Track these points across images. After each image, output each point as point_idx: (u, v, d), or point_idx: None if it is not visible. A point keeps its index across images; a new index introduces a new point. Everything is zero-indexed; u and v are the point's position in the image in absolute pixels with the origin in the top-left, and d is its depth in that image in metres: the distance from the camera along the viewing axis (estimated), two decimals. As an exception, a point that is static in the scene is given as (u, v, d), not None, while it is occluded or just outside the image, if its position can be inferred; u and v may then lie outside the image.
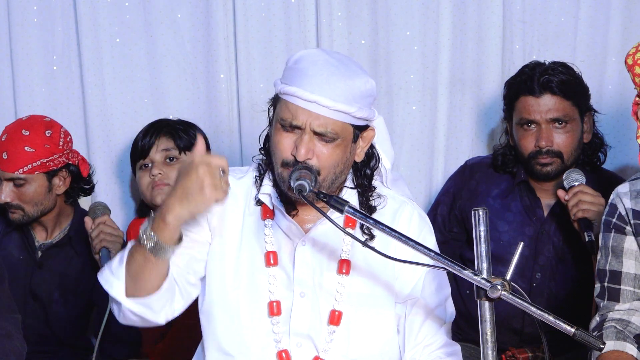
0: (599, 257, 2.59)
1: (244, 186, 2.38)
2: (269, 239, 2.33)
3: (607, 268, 2.56)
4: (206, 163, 2.05)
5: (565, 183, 2.98)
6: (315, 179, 2.20)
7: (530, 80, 3.02)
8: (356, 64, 2.32)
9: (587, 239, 2.86)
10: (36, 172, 3.08)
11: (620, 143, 3.58)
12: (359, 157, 2.34)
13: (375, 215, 2.35)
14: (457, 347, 2.42)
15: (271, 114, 2.33)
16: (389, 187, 2.43)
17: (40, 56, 3.48)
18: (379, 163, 2.40)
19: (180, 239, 2.14)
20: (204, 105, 3.52)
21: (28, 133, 3.08)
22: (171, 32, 3.49)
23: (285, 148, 2.26)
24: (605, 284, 2.56)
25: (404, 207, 2.41)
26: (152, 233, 2.10)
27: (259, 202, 2.35)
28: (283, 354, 2.30)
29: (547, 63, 3.09)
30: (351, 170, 2.38)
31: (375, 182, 2.41)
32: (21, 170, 3.06)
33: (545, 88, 3.00)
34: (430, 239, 2.41)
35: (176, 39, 3.49)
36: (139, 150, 3.23)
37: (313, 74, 2.22)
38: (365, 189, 2.37)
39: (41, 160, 3.09)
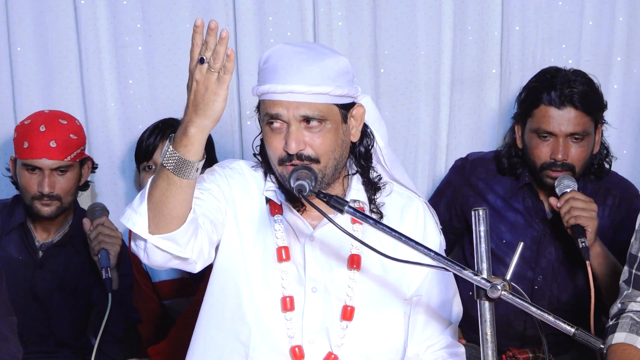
0: (632, 240, 2.50)
1: (257, 178, 2.39)
2: (280, 234, 2.33)
3: (639, 254, 2.50)
4: (197, 67, 1.99)
5: (557, 190, 2.96)
6: (315, 178, 2.19)
7: (553, 89, 2.97)
8: (324, 47, 2.35)
9: (580, 245, 2.84)
10: (77, 160, 3.13)
11: (625, 144, 3.58)
12: (355, 136, 2.34)
13: (383, 211, 2.36)
14: (461, 349, 2.42)
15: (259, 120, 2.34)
16: (388, 168, 2.42)
17: (39, 57, 3.48)
18: (373, 141, 2.39)
19: (203, 157, 2.08)
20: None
21: (66, 122, 3.13)
22: (170, 32, 3.49)
23: (277, 147, 2.26)
24: (634, 271, 2.46)
25: (411, 203, 2.42)
26: (173, 151, 2.04)
27: (267, 199, 2.36)
28: (296, 350, 2.30)
29: (567, 71, 3.05)
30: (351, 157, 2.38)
31: (382, 174, 2.41)
32: (69, 157, 3.10)
33: (569, 101, 2.95)
34: (435, 232, 2.42)
35: (175, 39, 3.50)
36: (143, 151, 3.24)
37: (282, 66, 2.23)
38: (365, 170, 2.37)
39: (80, 148, 3.15)
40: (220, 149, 3.43)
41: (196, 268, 2.24)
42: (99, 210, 3.09)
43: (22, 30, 3.46)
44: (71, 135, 3.11)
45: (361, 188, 2.37)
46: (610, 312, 2.51)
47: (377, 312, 2.34)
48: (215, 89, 2.00)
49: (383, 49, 3.53)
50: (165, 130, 3.23)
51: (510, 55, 3.53)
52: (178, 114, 3.29)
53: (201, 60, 1.98)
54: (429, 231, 2.41)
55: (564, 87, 2.97)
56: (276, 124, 2.25)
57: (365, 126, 2.37)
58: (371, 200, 2.37)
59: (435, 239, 2.42)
